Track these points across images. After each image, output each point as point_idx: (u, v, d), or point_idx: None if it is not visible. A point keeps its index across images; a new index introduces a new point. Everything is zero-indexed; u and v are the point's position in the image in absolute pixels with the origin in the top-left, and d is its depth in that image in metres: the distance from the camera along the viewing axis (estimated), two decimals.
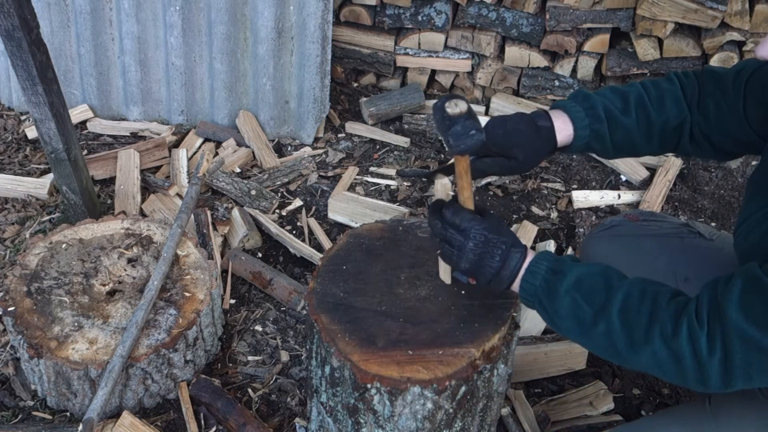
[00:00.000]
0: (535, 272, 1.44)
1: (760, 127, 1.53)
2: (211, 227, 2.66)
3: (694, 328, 1.29)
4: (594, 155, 3.15)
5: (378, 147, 3.39)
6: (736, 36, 3.15)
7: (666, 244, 1.83)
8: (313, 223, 2.90)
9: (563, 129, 1.59)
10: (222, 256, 2.66)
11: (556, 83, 3.52)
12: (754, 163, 3.22)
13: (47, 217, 2.84)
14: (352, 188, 3.12)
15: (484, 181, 3.13)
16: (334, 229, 2.90)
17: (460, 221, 1.44)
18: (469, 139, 1.37)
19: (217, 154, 3.27)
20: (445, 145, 1.49)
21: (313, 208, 3.02)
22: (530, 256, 1.47)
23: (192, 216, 2.60)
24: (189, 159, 3.18)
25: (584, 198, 3.05)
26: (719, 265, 1.74)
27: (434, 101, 3.56)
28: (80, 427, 1.89)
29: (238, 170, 3.17)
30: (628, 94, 1.63)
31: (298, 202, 3.02)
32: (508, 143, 1.56)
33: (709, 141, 1.62)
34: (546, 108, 1.68)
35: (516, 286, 1.47)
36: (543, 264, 1.44)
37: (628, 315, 1.34)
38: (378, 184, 3.16)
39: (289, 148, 3.36)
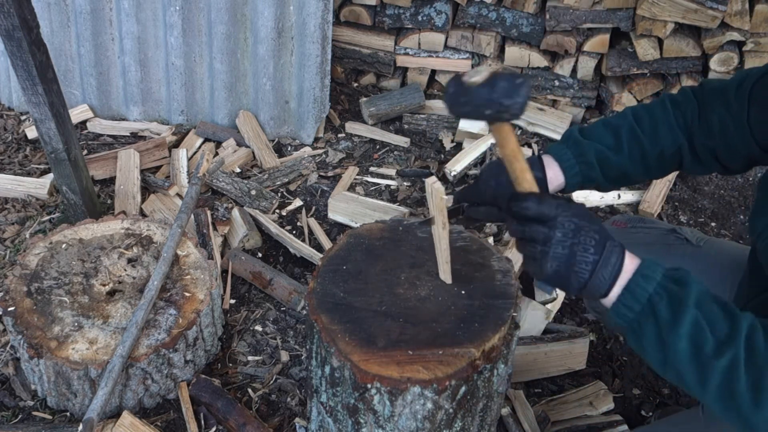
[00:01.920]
0: (648, 276, 1.21)
1: (763, 137, 1.51)
2: (211, 227, 2.66)
3: None
4: None
5: (378, 147, 3.39)
6: (736, 36, 3.15)
7: (653, 252, 1.82)
8: (313, 223, 2.90)
9: (554, 179, 1.62)
10: (222, 256, 2.66)
11: (556, 83, 3.52)
12: None
13: (47, 217, 2.84)
14: (352, 188, 3.12)
15: None
16: (334, 229, 2.90)
17: (546, 209, 1.22)
18: (521, 92, 1.16)
19: (217, 154, 3.27)
20: (488, 116, 1.21)
21: (313, 208, 3.02)
22: (631, 257, 1.25)
23: (192, 216, 2.60)
24: (189, 159, 3.18)
25: (584, 198, 3.05)
26: (707, 272, 1.74)
27: (434, 101, 3.58)
28: (80, 427, 1.89)
29: (238, 170, 3.17)
30: (620, 129, 1.62)
31: (298, 202, 3.02)
32: (499, 195, 1.56)
33: (715, 157, 1.61)
34: (541, 151, 1.70)
35: (616, 292, 1.23)
36: (658, 269, 1.22)
37: (756, 355, 1.15)
38: (378, 184, 3.16)
39: (289, 148, 3.36)
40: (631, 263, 1.24)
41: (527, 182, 1.30)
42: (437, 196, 1.56)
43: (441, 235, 1.61)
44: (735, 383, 1.15)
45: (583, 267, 1.22)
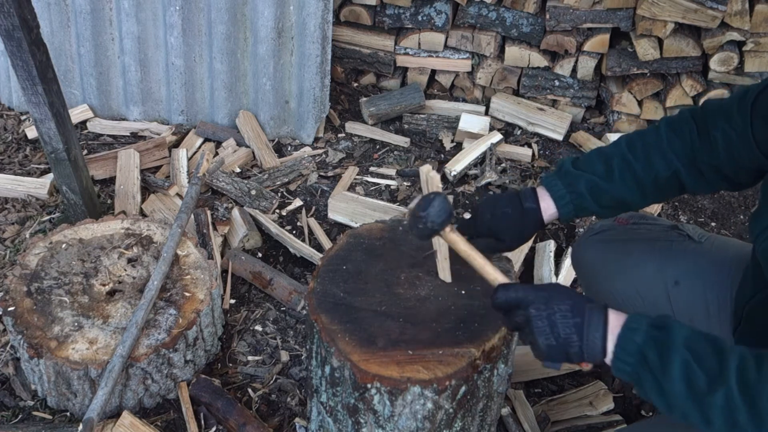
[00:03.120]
0: (635, 328, 1.26)
1: None
2: (211, 227, 2.66)
3: None
4: None
5: (378, 147, 3.39)
6: (736, 36, 3.15)
7: (655, 248, 1.83)
8: (313, 223, 2.90)
9: (547, 209, 1.66)
10: (222, 256, 2.66)
11: (556, 83, 3.52)
12: None
13: (47, 217, 2.84)
14: (352, 188, 3.12)
15: (483, 182, 3.13)
16: (334, 229, 2.90)
17: (513, 294, 1.34)
18: (437, 211, 1.44)
19: (217, 154, 3.27)
20: (423, 234, 1.51)
21: (313, 208, 3.02)
22: (616, 314, 1.30)
23: (192, 216, 2.60)
24: (189, 159, 3.18)
25: None
26: (708, 268, 1.74)
27: (434, 101, 3.58)
28: (80, 427, 1.89)
29: (238, 170, 3.17)
30: (612, 158, 1.65)
31: (298, 202, 3.02)
32: (495, 227, 1.65)
33: (721, 174, 1.59)
34: (533, 183, 1.75)
35: (611, 350, 1.27)
36: (642, 320, 1.27)
37: (747, 383, 1.17)
38: (378, 184, 3.16)
39: (289, 148, 3.36)
40: (617, 320, 1.29)
41: (490, 275, 1.45)
42: (433, 185, 1.57)
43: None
44: (736, 415, 1.17)
45: (569, 332, 1.28)
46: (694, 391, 1.20)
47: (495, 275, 1.45)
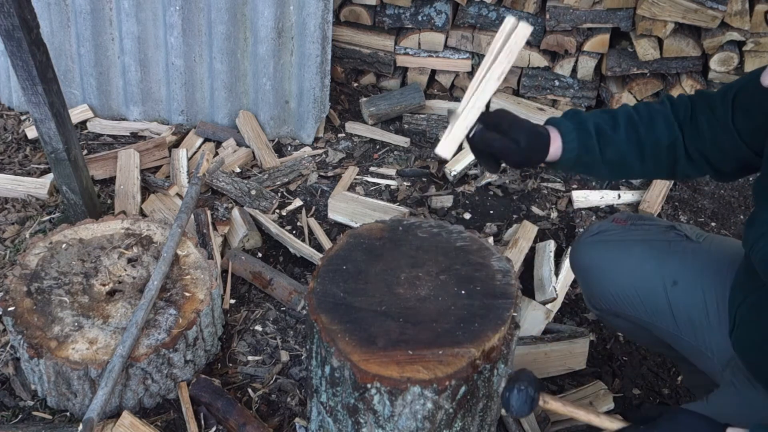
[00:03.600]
0: None
1: (751, 140, 1.56)
2: (211, 227, 2.66)
3: None
4: (588, 176, 3.16)
5: (378, 147, 3.39)
6: (736, 36, 3.15)
7: (653, 249, 1.83)
8: (313, 223, 2.91)
9: (553, 139, 1.63)
10: (222, 256, 2.66)
11: (556, 83, 3.52)
12: None
13: (47, 217, 2.84)
14: (352, 188, 3.12)
15: (483, 182, 3.13)
16: (334, 229, 2.90)
17: None
18: (523, 405, 1.45)
19: (217, 154, 3.27)
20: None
21: (313, 208, 3.02)
22: (735, 429, 1.35)
23: (192, 216, 2.60)
24: (189, 159, 3.18)
25: (584, 198, 3.06)
26: (707, 267, 1.75)
27: (434, 101, 3.57)
28: (80, 427, 1.89)
29: (238, 170, 3.17)
30: (617, 113, 1.68)
31: (298, 202, 3.02)
32: (515, 126, 1.58)
33: (706, 159, 1.65)
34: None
35: None
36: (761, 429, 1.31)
37: None
38: (378, 184, 3.16)
39: (289, 148, 3.36)
40: None
41: (606, 425, 1.45)
42: (518, 41, 1.55)
43: (487, 88, 1.52)
44: None
45: None
46: None
47: (610, 423, 1.45)
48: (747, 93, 1.56)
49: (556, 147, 1.63)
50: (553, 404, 1.49)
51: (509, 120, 1.60)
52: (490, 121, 1.59)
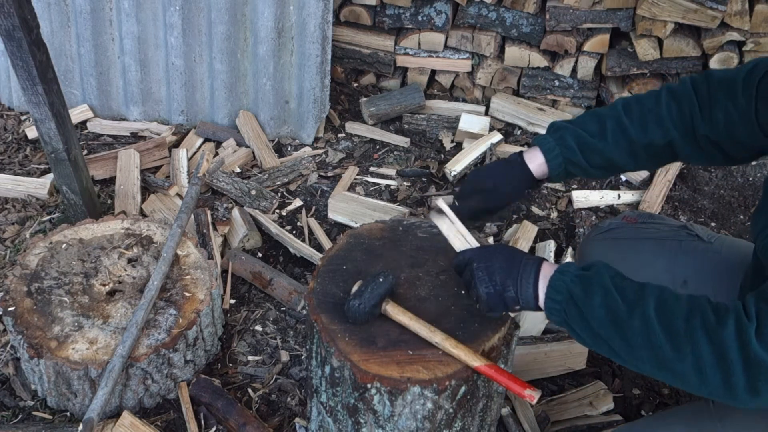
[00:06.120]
0: (564, 271, 1.41)
1: None
2: (211, 227, 2.66)
3: (742, 321, 1.21)
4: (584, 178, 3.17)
5: (378, 147, 3.39)
6: (736, 36, 3.15)
7: (664, 247, 1.83)
8: (313, 223, 2.91)
9: (534, 159, 1.69)
10: (222, 256, 2.66)
11: (556, 83, 3.52)
12: (753, 163, 3.22)
13: (47, 217, 2.84)
14: (352, 188, 3.12)
15: None
16: (334, 229, 2.90)
17: (460, 258, 1.54)
18: (355, 309, 1.59)
19: (217, 154, 3.27)
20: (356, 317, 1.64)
21: (313, 208, 3.02)
22: (550, 264, 1.47)
23: (192, 216, 2.60)
24: (189, 159, 3.18)
25: (584, 198, 3.05)
26: (717, 268, 1.74)
27: (434, 101, 3.58)
28: (80, 427, 1.89)
29: (238, 170, 3.17)
30: (606, 118, 1.67)
31: (298, 202, 3.02)
32: (480, 177, 1.73)
33: (720, 149, 1.61)
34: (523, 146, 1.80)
35: (542, 291, 1.43)
36: (572, 265, 1.43)
37: (665, 308, 1.28)
38: (378, 184, 3.16)
39: (289, 148, 3.36)
40: (550, 267, 1.44)
41: (437, 339, 1.58)
42: (453, 217, 1.66)
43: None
44: (653, 337, 1.27)
45: (505, 278, 1.44)
46: (615, 317, 1.30)
47: (439, 336, 1.58)
48: None
49: (538, 164, 1.70)
50: (394, 315, 1.62)
51: (473, 177, 1.76)
52: (464, 192, 1.75)
